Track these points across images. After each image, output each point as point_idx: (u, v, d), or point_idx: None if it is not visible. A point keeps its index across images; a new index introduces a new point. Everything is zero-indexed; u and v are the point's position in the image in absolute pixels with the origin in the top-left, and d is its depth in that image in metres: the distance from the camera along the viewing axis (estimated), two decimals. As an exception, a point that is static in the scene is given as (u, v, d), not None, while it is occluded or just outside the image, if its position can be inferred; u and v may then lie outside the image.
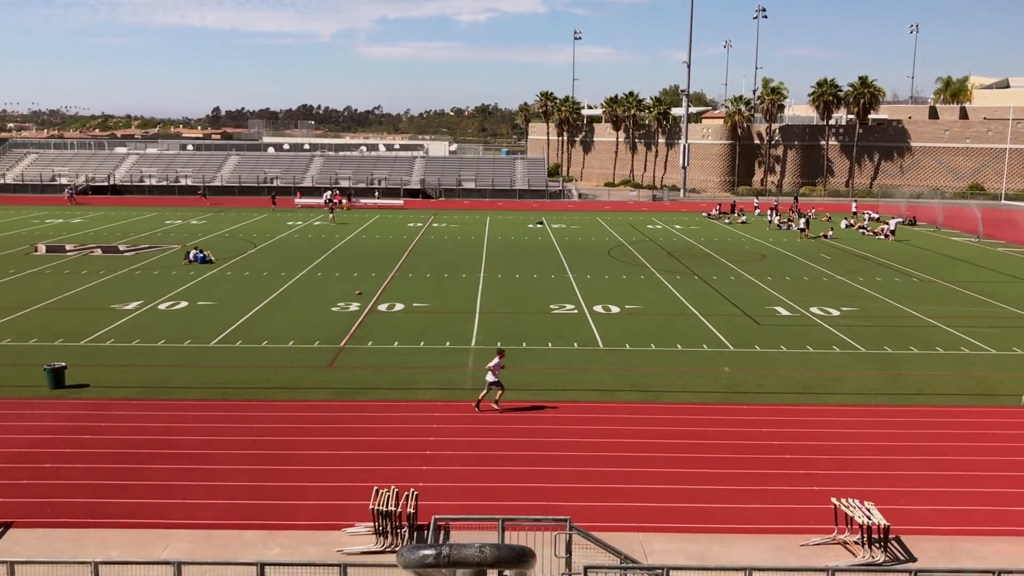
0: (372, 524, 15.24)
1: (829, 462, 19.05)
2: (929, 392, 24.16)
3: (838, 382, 25.03)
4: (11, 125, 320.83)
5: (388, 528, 15.07)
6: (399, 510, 15.14)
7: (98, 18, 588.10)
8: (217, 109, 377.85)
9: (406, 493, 15.58)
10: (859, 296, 37.93)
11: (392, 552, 14.89)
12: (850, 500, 15.62)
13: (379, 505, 15.10)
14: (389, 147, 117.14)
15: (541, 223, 66.90)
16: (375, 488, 15.69)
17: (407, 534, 15.13)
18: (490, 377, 22.14)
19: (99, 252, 48.85)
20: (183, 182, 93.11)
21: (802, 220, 62.59)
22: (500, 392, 22.21)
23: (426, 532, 14.69)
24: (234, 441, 19.93)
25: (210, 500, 16.89)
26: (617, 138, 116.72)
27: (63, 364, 23.96)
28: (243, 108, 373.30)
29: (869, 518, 15.01)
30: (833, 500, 15.78)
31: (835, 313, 34.12)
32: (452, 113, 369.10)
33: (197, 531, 15.64)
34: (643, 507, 16.81)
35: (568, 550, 13.45)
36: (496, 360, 22.36)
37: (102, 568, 12.13)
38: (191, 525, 15.85)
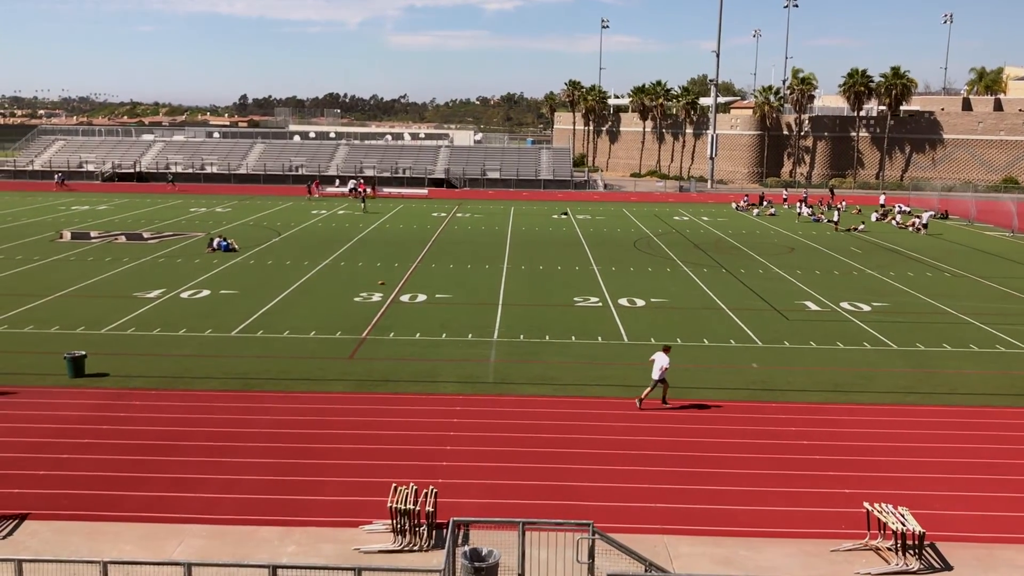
0: (390, 522, 14.89)
1: (861, 463, 18.49)
2: (964, 391, 23.49)
3: (869, 380, 24.40)
4: (41, 112, 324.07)
5: (406, 527, 14.71)
6: (417, 508, 14.78)
7: (127, 6, 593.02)
8: (244, 97, 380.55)
9: (425, 491, 15.21)
10: (890, 291, 37.14)
11: (410, 551, 14.56)
12: (883, 505, 15.08)
13: (397, 503, 14.74)
14: (414, 136, 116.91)
15: (566, 214, 66.36)
16: (393, 485, 15.34)
17: (425, 533, 14.77)
18: (656, 374, 21.68)
19: (123, 239, 48.91)
20: (209, 170, 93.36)
21: (835, 213, 61.68)
22: (666, 387, 21.82)
23: (445, 531, 14.32)
24: (253, 433, 19.66)
25: (227, 494, 16.62)
26: (644, 128, 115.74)
27: (83, 353, 23.82)
28: (270, 96, 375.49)
29: (903, 524, 14.47)
30: (866, 505, 15.24)
31: (866, 308, 33.40)
32: (478, 102, 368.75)
33: (212, 526, 15.37)
34: (668, 508, 16.36)
35: (591, 555, 13.03)
36: (662, 356, 21.82)
37: (111, 567, 11.84)
38: (207, 520, 15.58)
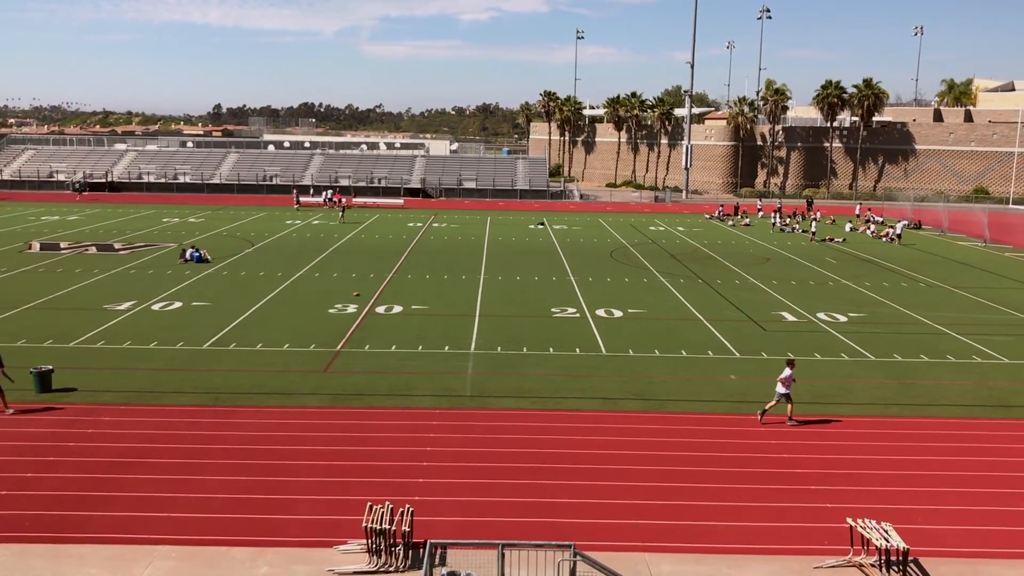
0: (365, 542, 14.51)
1: (842, 477, 18.33)
2: (943, 403, 23.44)
3: (848, 391, 24.31)
4: (12, 121, 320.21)
5: (382, 547, 14.34)
6: (393, 528, 14.42)
7: (101, 14, 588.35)
8: (219, 106, 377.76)
9: (401, 510, 14.85)
10: (867, 301, 37.19)
11: (385, 572, 14.18)
12: (867, 521, 14.89)
13: (373, 522, 14.37)
14: (390, 146, 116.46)
15: (542, 224, 66.19)
16: (369, 504, 14.98)
17: (402, 553, 14.40)
18: (780, 389, 21.34)
19: (94, 250, 48.15)
20: (182, 179, 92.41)
21: (811, 223, 61.83)
22: (791, 405, 21.45)
23: (422, 551, 13.97)
24: (224, 450, 19.19)
25: (197, 513, 16.16)
26: (619, 138, 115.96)
27: (50, 367, 23.25)
28: (244, 105, 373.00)
29: (887, 540, 14.29)
30: (849, 520, 15.04)
31: (843, 319, 33.39)
32: (453, 112, 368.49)
33: (182, 547, 14.91)
34: (649, 524, 16.09)
35: (572, 576, 12.72)
36: (787, 371, 21.50)
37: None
38: (177, 541, 15.12)
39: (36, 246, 48.63)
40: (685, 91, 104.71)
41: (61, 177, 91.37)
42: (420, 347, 28.13)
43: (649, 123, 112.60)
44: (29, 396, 22.37)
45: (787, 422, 21.46)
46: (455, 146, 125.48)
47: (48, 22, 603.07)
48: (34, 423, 20.70)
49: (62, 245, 49.42)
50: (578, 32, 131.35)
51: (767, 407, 21.58)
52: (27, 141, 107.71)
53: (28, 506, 16.29)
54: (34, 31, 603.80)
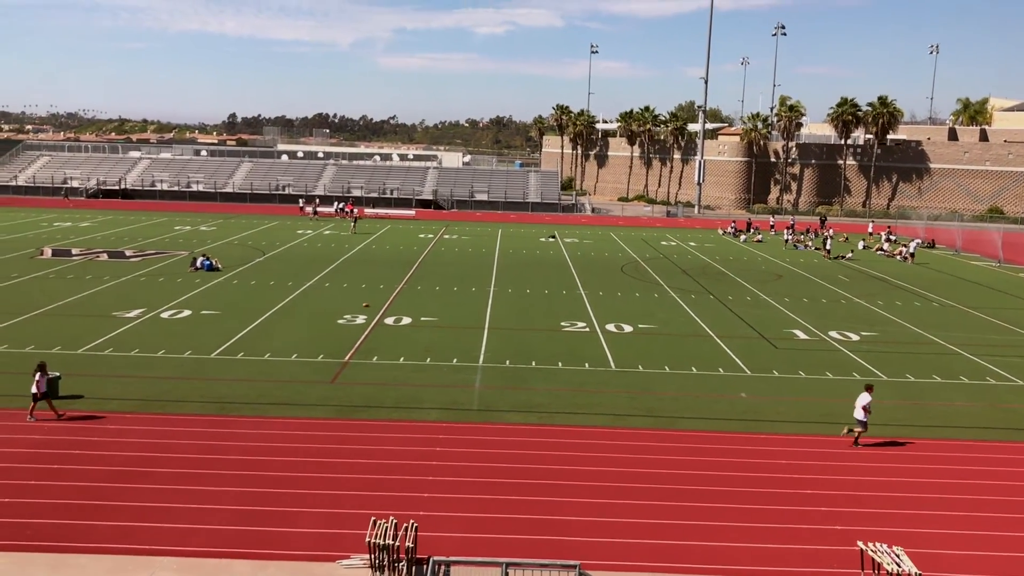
0: (369, 557, 14.34)
1: (853, 499, 18.05)
2: (956, 424, 23.13)
3: (860, 411, 23.98)
4: (29, 127, 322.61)
5: (385, 562, 14.16)
6: (397, 543, 14.23)
7: (119, 22, 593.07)
8: (233, 115, 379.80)
9: (405, 525, 14.67)
10: (879, 320, 36.88)
11: (388, 588, 13.99)
12: (878, 544, 14.61)
13: (376, 537, 14.20)
14: (403, 157, 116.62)
15: (553, 237, 66.07)
16: (373, 518, 14.79)
17: (405, 569, 14.21)
18: (860, 416, 21.06)
19: (105, 257, 48.24)
20: (195, 188, 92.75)
21: (825, 241, 61.44)
22: (859, 431, 21.17)
23: (425, 567, 13.79)
24: (228, 460, 19.05)
25: (200, 524, 16.01)
26: (632, 153, 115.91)
27: (57, 374, 23.16)
28: (259, 115, 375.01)
29: (899, 565, 14.01)
30: (859, 544, 14.78)
31: (855, 338, 33.09)
32: (467, 124, 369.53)
33: (184, 559, 14.77)
34: (656, 544, 15.85)
35: (576, 596, 12.51)
36: (867, 397, 21.17)
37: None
38: (179, 552, 14.98)
39: (48, 252, 48.76)
40: (699, 106, 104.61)
41: (75, 184, 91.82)
42: (428, 359, 27.98)
43: (662, 138, 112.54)
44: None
45: (851, 439, 21.25)
46: (468, 158, 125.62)
47: (66, 30, 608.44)
48: (39, 430, 20.62)
49: (73, 252, 49.54)
50: (592, 47, 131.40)
51: (856, 433, 21.22)
52: (43, 148, 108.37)
53: (30, 514, 16.17)
54: (52, 38, 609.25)
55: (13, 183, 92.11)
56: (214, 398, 23.40)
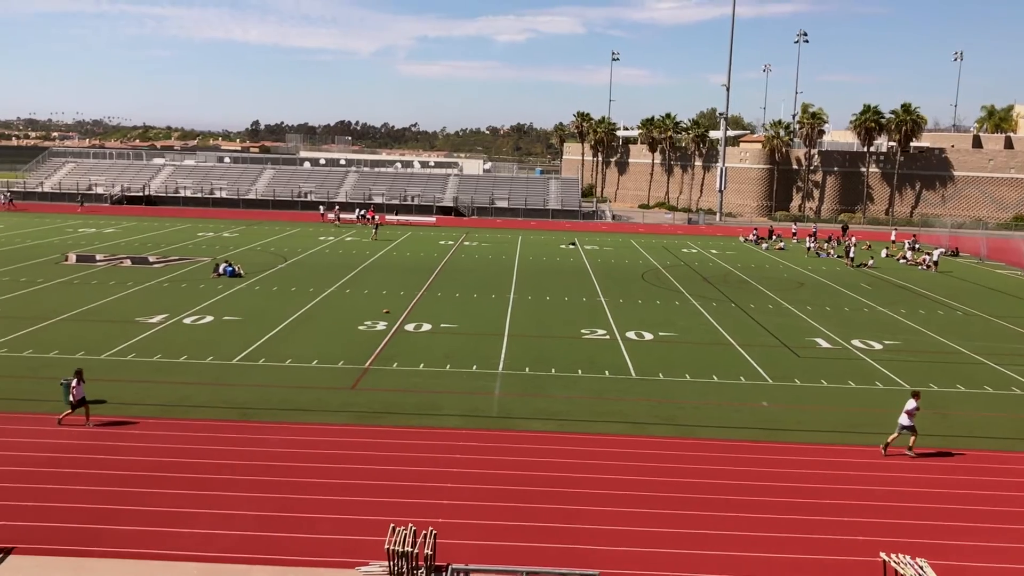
0: (387, 564, 14.34)
1: (875, 509, 17.88)
2: (980, 435, 22.88)
3: (883, 421, 23.73)
4: (55, 134, 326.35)
5: (404, 569, 14.16)
6: (416, 550, 14.23)
7: (144, 31, 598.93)
8: (256, 123, 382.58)
9: (424, 532, 14.67)
10: (902, 329, 36.56)
11: (407, 595, 13.99)
12: (901, 556, 14.47)
13: (395, 544, 14.20)
14: (424, 164, 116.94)
15: (574, 244, 66.03)
16: (391, 525, 14.80)
17: (423, 576, 14.21)
18: (905, 420, 21.05)
19: (128, 263, 48.66)
20: (218, 194, 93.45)
21: (847, 248, 61.05)
22: (913, 438, 21.12)
23: (444, 575, 13.79)
24: (249, 466, 19.14)
25: (220, 530, 16.08)
26: (653, 160, 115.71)
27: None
28: (282, 122, 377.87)
29: (922, 577, 13.86)
30: (882, 555, 14.64)
31: (877, 347, 32.82)
32: (488, 132, 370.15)
33: (204, 564, 14.83)
34: (676, 553, 15.77)
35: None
36: (912, 403, 21.20)
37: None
38: (199, 558, 15.05)
39: (72, 258, 49.25)
40: (720, 113, 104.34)
41: (100, 190, 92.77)
42: (448, 366, 28.00)
43: (683, 145, 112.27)
44: (59, 407, 22.47)
45: (906, 451, 21.10)
46: (488, 165, 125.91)
47: (92, 38, 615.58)
48: (60, 434, 20.79)
49: (98, 257, 50.01)
50: (613, 54, 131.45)
51: (889, 440, 21.16)
52: (68, 154, 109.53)
53: (52, 518, 16.30)
54: (79, 46, 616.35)
55: (39, 189, 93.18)
56: (235, 403, 23.52)
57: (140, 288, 40.68)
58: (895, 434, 21.17)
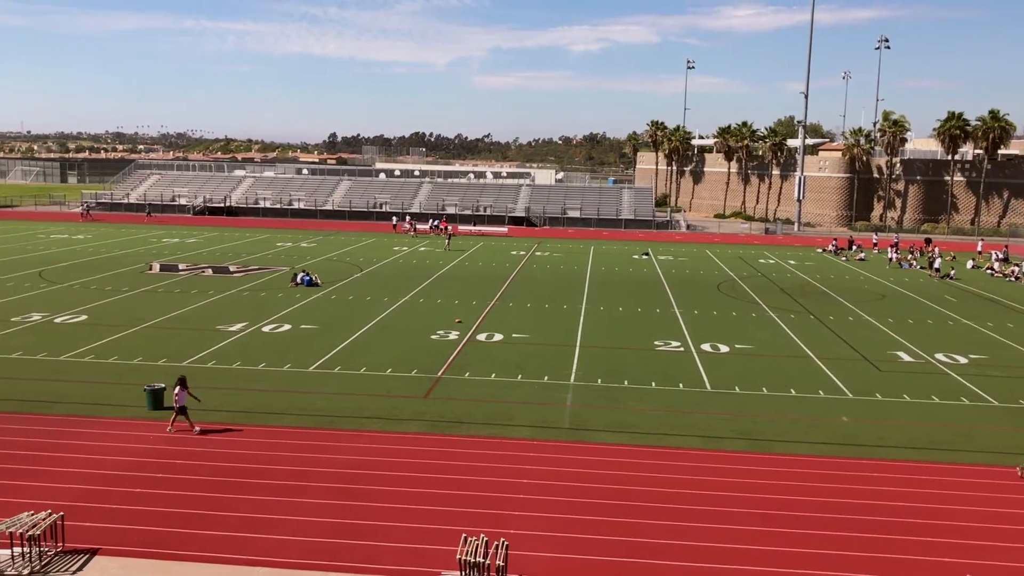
0: (459, 574, 14.36)
1: (961, 530, 17.26)
2: (1074, 455, 21.91)
3: (968, 438, 22.99)
4: (141, 147, 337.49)
5: (475, 580, 14.16)
6: (487, 561, 14.23)
7: (226, 46, 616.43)
8: (334, 135, 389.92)
9: (496, 543, 14.66)
10: (989, 343, 35.31)
11: (478, 606, 13.99)
12: (989, 579, 13.94)
13: (467, 555, 14.22)
14: (496, 175, 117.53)
15: (647, 254, 65.50)
16: (463, 535, 14.84)
17: (495, 588, 14.19)
18: None
19: (210, 272, 49.93)
20: (296, 205, 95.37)
21: (932, 260, 59.20)
22: None
23: (515, 587, 13.75)
24: (324, 473, 19.41)
25: (296, 536, 16.32)
26: (729, 169, 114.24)
27: (163, 385, 24.05)
28: (358, 134, 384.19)
29: (1012, 602, 13.32)
30: (969, 578, 14.12)
31: (963, 361, 31.75)
32: (560, 142, 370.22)
33: (280, 570, 15.06)
34: (748, 571, 15.44)
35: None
36: None
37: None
38: (275, 564, 15.28)
39: (156, 267, 50.74)
40: (798, 121, 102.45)
41: (183, 201, 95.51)
42: (519, 376, 28.00)
43: (760, 154, 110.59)
44: (142, 412, 23.17)
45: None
46: (560, 175, 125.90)
47: (176, 53, 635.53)
48: (145, 439, 21.38)
49: (180, 267, 51.44)
50: (689, 62, 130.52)
51: None
52: (153, 167, 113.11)
53: (136, 521, 16.77)
54: (164, 62, 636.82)
55: (126, 200, 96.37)
56: (312, 411, 23.89)
57: (221, 297, 41.70)
58: None
